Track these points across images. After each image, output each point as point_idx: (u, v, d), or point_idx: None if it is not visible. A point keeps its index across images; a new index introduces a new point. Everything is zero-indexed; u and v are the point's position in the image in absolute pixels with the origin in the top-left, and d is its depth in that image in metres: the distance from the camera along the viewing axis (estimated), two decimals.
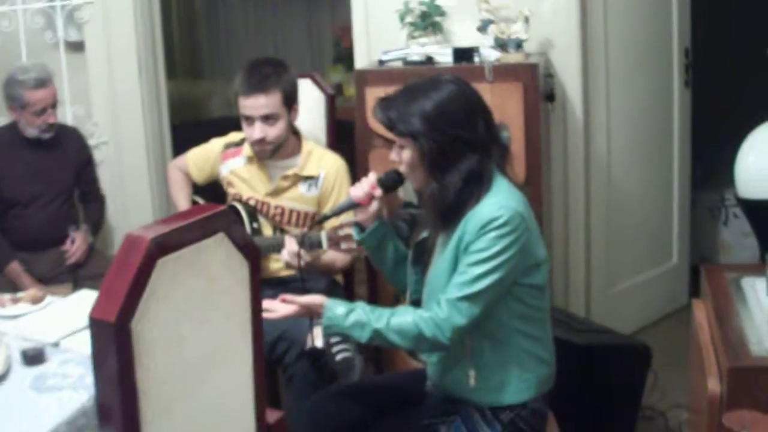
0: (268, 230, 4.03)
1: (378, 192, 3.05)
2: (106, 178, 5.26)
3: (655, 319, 5.40)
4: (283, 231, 4.01)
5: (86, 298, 3.42)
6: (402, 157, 2.88)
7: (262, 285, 3.93)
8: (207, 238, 2.26)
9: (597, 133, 4.86)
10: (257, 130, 3.85)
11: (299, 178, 3.98)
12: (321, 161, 4.00)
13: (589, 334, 3.78)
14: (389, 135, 3.00)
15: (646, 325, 5.31)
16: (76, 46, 5.37)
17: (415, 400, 3.11)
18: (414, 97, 2.81)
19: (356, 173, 4.12)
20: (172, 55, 8.88)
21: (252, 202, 4.04)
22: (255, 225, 4.00)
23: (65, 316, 3.26)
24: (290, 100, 3.90)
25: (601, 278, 5.02)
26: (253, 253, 2.44)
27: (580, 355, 3.55)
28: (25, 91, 4.53)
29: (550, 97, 4.50)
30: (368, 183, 3.05)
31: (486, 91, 3.94)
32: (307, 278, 3.89)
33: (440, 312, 2.74)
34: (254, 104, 3.82)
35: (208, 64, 9.32)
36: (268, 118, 3.84)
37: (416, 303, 3.03)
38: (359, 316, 2.84)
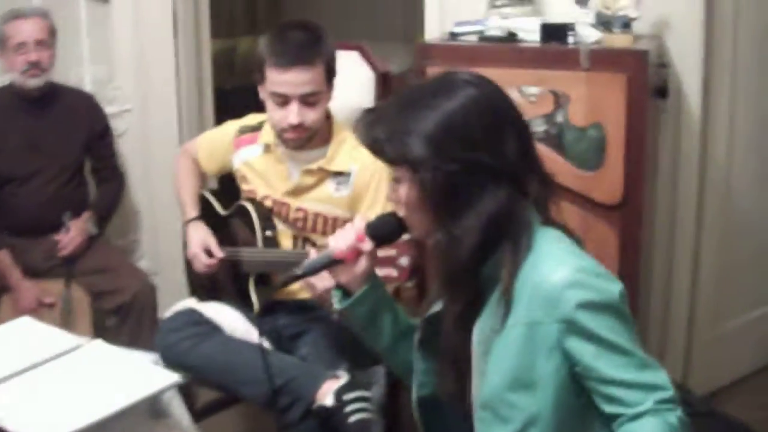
0: (287, 239, 3.23)
1: (367, 245, 2.18)
2: (128, 151, 4.56)
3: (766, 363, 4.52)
4: (306, 240, 3.21)
5: (23, 331, 2.66)
6: (398, 194, 2.04)
7: (277, 310, 3.21)
8: None
9: (717, 139, 3.96)
10: (294, 113, 3.03)
11: (326, 174, 3.16)
12: (354, 153, 3.15)
13: None
14: None
15: (755, 370, 4.44)
16: None
17: None
18: (413, 107, 1.98)
19: None
20: (254, 8, 8.90)
21: (268, 203, 3.23)
22: (269, 233, 3.18)
23: None
24: (331, 75, 3.10)
25: (707, 314, 4.14)
26: None
27: None
28: (4, 24, 3.89)
29: (662, 92, 3.64)
30: (354, 231, 2.20)
31: (580, 82, 3.21)
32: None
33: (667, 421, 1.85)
34: (294, 80, 3.00)
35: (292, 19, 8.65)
36: (308, 98, 3.02)
37: (424, 401, 2.22)
38: None
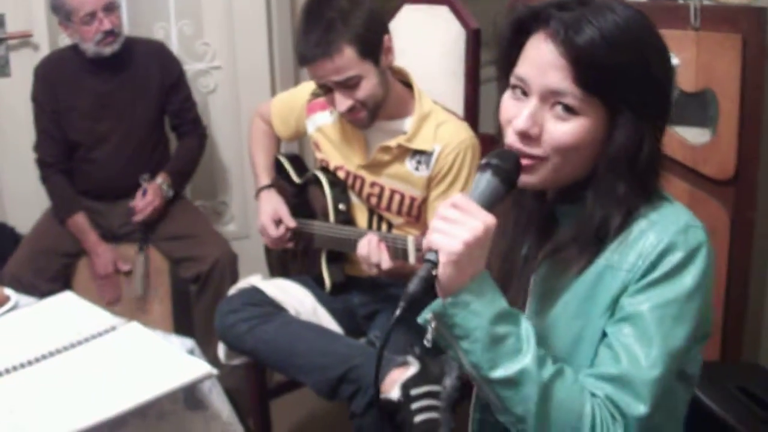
0: (361, 214, 2.99)
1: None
2: (217, 109, 4.34)
3: None
4: (381, 218, 2.95)
5: (61, 308, 2.48)
6: (558, 129, 1.62)
7: (350, 287, 2.98)
8: None
9: None
10: (339, 101, 2.75)
11: (406, 151, 2.86)
12: (439, 131, 2.84)
13: None
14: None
15: None
16: None
17: None
18: (603, 12, 1.59)
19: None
20: None
21: (341, 174, 2.97)
22: (342, 206, 2.94)
23: (6, 339, 2.32)
24: (371, 47, 2.72)
25: None
26: None
27: None
28: None
29: None
30: (467, 230, 1.58)
31: (690, 42, 2.92)
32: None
33: (622, 396, 1.58)
34: (321, 73, 2.70)
35: None
36: (346, 83, 2.72)
37: None
38: (518, 336, 1.60)
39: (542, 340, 1.67)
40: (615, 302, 1.62)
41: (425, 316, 1.61)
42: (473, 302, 1.57)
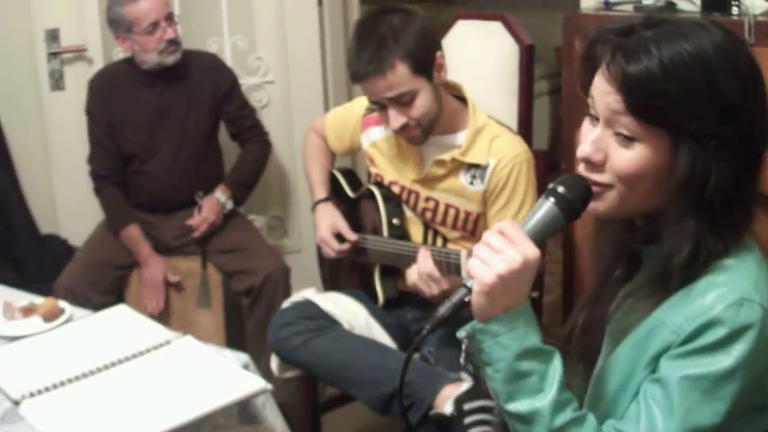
0: (416, 228, 2.98)
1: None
2: (270, 124, 4.33)
3: None
4: (437, 233, 2.95)
5: (116, 321, 2.50)
6: (619, 156, 1.56)
7: (404, 302, 2.98)
8: None
9: None
10: (393, 118, 2.74)
11: (460, 165, 2.85)
12: (493, 145, 2.82)
13: None
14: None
15: None
16: None
17: None
18: (673, 39, 1.52)
19: (558, 161, 2.95)
20: None
21: (396, 189, 2.97)
22: (396, 221, 2.94)
23: (62, 352, 2.33)
24: (423, 64, 2.71)
25: None
26: None
27: None
28: (123, 8, 3.62)
29: None
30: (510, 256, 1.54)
31: None
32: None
33: None
34: (374, 89, 2.71)
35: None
36: (400, 99, 2.71)
37: None
38: (543, 375, 1.57)
39: (601, 380, 1.67)
40: (656, 360, 1.56)
41: (461, 333, 1.61)
42: (502, 334, 1.55)
